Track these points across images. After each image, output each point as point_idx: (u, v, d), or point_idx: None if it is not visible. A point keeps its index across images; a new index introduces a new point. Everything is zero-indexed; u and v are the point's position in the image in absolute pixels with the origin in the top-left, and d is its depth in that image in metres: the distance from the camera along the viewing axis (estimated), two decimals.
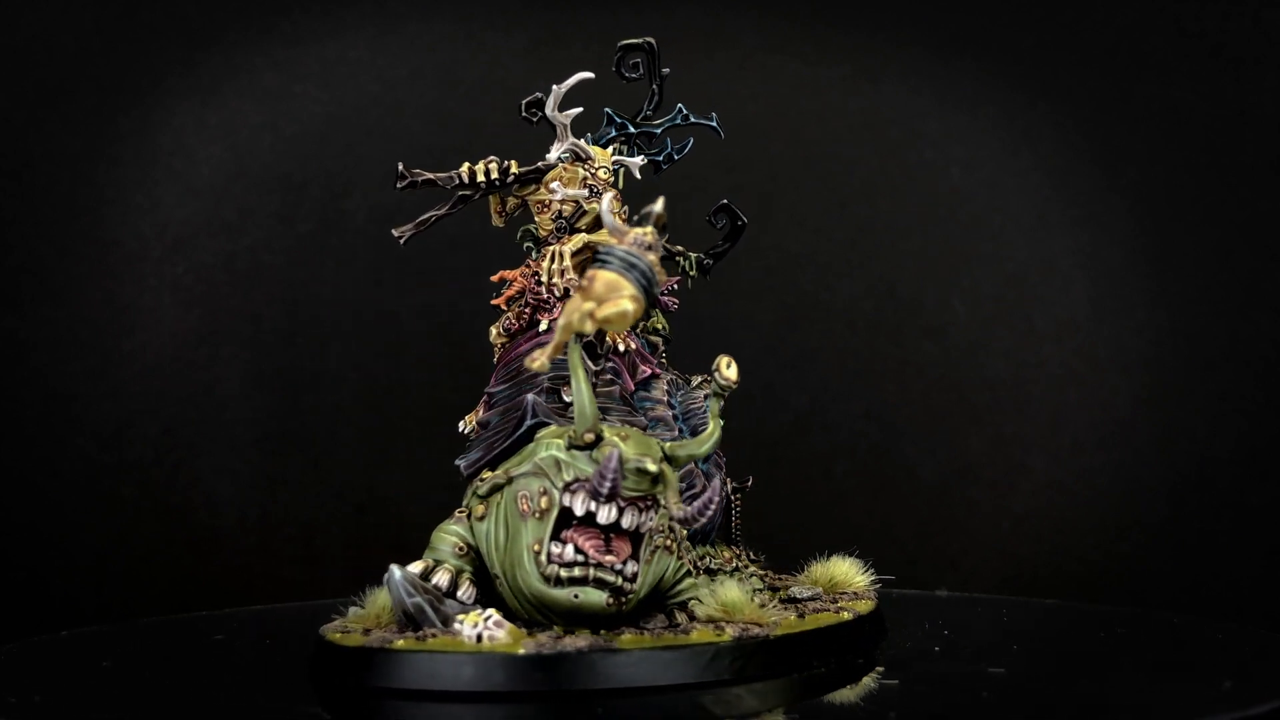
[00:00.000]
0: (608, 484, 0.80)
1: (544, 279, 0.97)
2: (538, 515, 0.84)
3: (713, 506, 0.82)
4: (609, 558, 0.83)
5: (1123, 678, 0.86)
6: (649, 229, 0.82)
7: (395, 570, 0.85)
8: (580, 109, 0.99)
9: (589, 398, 0.85)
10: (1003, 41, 1.59)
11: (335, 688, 0.84)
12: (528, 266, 1.00)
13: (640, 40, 1.00)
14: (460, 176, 0.97)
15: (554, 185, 0.97)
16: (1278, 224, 1.53)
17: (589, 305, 0.79)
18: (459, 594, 0.87)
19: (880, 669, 0.88)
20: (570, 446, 0.85)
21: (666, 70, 1.01)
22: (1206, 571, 1.52)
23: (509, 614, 0.85)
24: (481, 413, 1.00)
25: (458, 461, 0.96)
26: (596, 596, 0.83)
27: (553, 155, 0.98)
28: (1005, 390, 1.57)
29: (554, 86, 0.98)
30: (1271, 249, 1.53)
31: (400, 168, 0.95)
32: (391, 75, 1.56)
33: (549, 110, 0.97)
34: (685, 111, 1.03)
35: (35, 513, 1.47)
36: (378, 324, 1.54)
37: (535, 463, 0.85)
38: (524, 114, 0.97)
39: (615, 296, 0.79)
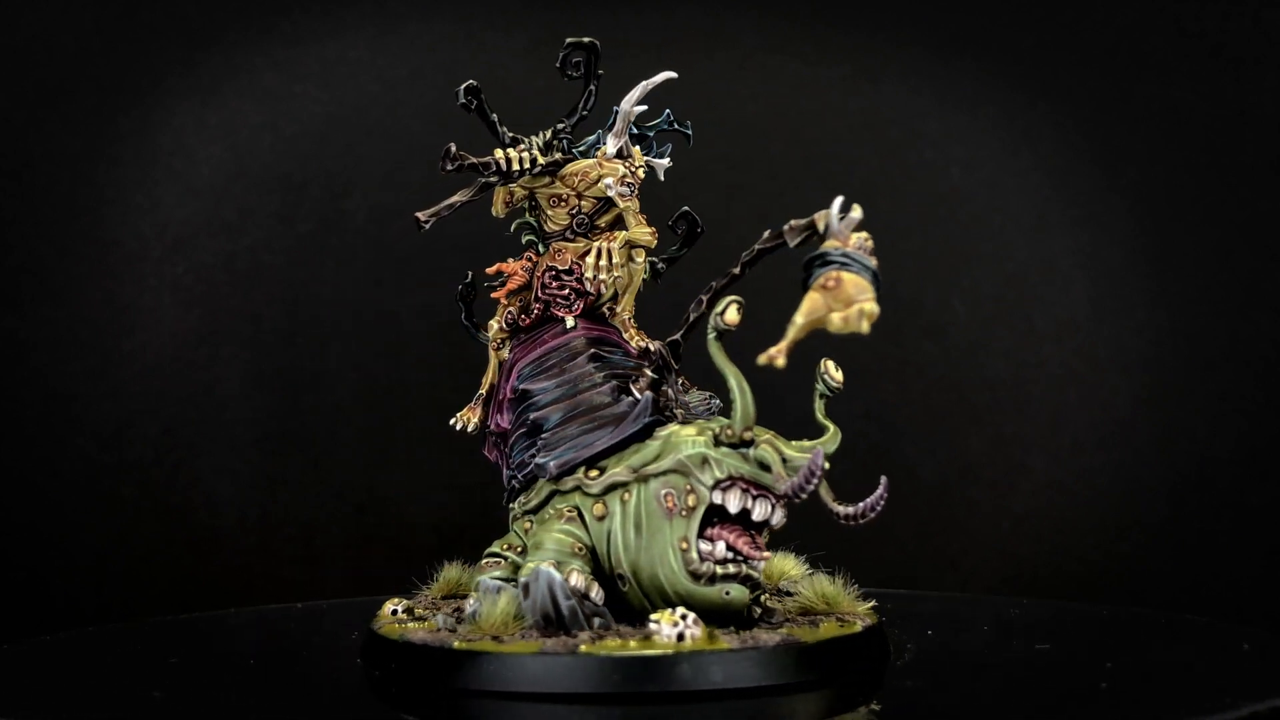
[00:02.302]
0: (815, 482, 0.81)
1: (589, 275, 0.96)
2: (683, 513, 0.84)
3: (881, 505, 0.84)
4: (765, 554, 0.84)
5: (1123, 677, 0.86)
6: (866, 234, 0.83)
7: (554, 572, 0.83)
8: (645, 107, 0.98)
9: (751, 396, 0.85)
10: (1003, 41, 1.59)
11: (472, 695, 0.81)
12: (529, 260, 1.00)
13: (585, 39, 0.99)
14: (497, 163, 0.95)
15: (608, 181, 0.96)
16: (1278, 224, 1.53)
17: (867, 305, 0.79)
18: (591, 595, 0.85)
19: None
20: (718, 443, 0.85)
21: (602, 72, 1.00)
22: (1206, 571, 1.52)
23: (629, 615, 0.85)
24: (496, 414, 0.98)
25: (542, 460, 0.92)
26: (743, 593, 0.84)
27: (611, 149, 0.96)
28: (1005, 390, 1.57)
29: (642, 82, 0.97)
30: (1271, 249, 1.53)
31: (453, 149, 0.93)
32: (391, 75, 1.56)
33: (626, 104, 0.96)
34: (672, 116, 1.02)
35: (35, 513, 1.47)
36: (378, 324, 1.54)
37: (679, 460, 0.85)
38: (462, 100, 0.95)
39: (864, 298, 0.80)
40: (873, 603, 0.93)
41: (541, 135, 0.99)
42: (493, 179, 0.95)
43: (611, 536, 0.86)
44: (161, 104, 1.51)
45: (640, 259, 0.97)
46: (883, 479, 0.84)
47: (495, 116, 0.95)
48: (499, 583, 0.87)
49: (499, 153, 0.95)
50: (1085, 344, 1.56)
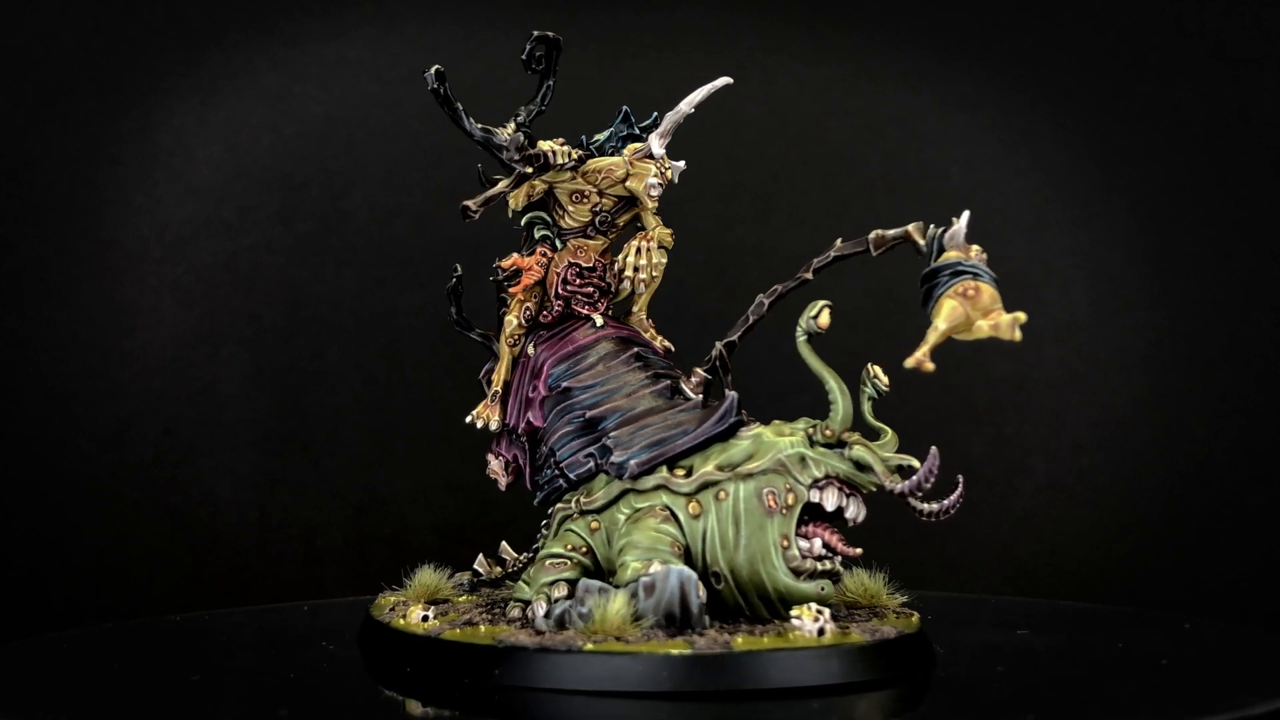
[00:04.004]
0: (933, 480, 0.85)
1: (628, 271, 0.97)
2: (783, 511, 0.86)
3: (960, 503, 0.86)
4: (857, 550, 0.87)
5: (1123, 678, 0.86)
6: (979, 246, 0.86)
7: (686, 570, 0.84)
8: (692, 110, 0.98)
9: (850, 398, 0.88)
10: (1003, 41, 1.59)
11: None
12: (543, 255, 0.99)
13: (549, 34, 0.99)
14: (543, 155, 0.95)
15: (650, 180, 0.96)
16: (1278, 224, 1.53)
17: (1014, 315, 0.82)
18: (700, 593, 0.85)
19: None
20: (813, 443, 0.87)
21: (558, 69, 1.00)
22: (1206, 571, 1.52)
23: (722, 612, 0.86)
24: (524, 411, 0.97)
25: (621, 459, 0.91)
26: (832, 588, 0.87)
27: (658, 150, 0.96)
28: (1005, 390, 1.57)
29: (703, 87, 0.96)
30: (1271, 249, 1.53)
31: (521, 139, 0.93)
32: (391, 75, 1.56)
33: (685, 105, 0.96)
34: (660, 118, 1.02)
35: (35, 513, 1.47)
36: (378, 324, 1.54)
37: (779, 460, 0.86)
38: (432, 85, 0.95)
39: (998, 307, 0.83)
40: (905, 596, 0.95)
41: (507, 126, 0.99)
42: (528, 171, 0.95)
43: (707, 534, 0.87)
44: (161, 104, 1.51)
45: (664, 259, 0.98)
46: (959, 478, 0.86)
47: (460, 106, 0.96)
48: (600, 583, 0.86)
49: (544, 144, 0.95)
50: (1085, 344, 1.56)
